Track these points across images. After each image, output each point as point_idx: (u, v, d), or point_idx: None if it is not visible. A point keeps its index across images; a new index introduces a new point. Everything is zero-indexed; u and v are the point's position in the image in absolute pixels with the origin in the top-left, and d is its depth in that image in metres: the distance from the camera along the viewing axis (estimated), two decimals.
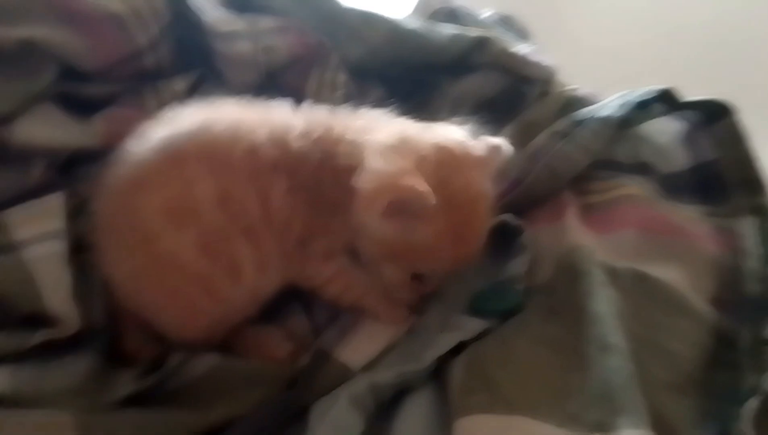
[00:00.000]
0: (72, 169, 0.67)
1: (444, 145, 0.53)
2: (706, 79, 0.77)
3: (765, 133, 0.72)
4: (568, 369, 0.48)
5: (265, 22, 0.76)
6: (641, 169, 0.72)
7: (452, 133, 0.55)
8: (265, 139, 0.53)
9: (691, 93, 0.73)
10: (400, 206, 0.49)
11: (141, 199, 0.51)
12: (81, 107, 0.68)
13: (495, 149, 0.56)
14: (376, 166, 0.51)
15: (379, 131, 0.54)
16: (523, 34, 0.92)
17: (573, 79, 0.85)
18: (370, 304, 0.58)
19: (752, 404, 0.46)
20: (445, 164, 0.52)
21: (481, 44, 0.75)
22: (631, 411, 0.44)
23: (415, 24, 0.77)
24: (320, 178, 0.53)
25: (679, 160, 0.73)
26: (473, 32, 0.76)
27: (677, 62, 1.13)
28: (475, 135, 0.56)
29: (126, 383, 0.51)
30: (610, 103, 0.71)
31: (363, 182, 0.51)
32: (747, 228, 0.61)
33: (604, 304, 0.51)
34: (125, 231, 0.52)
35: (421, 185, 0.49)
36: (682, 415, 0.46)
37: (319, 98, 0.78)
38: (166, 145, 0.52)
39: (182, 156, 0.51)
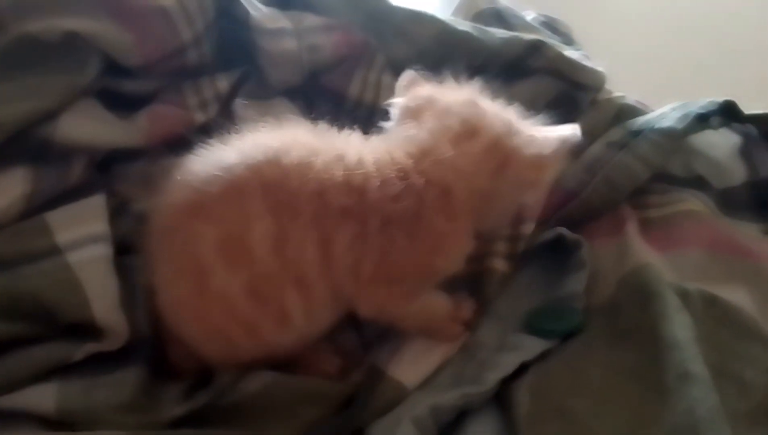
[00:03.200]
0: (109, 168, 0.65)
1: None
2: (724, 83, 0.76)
3: None
4: (645, 398, 0.46)
5: (310, 20, 0.73)
6: (696, 183, 0.70)
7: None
8: (336, 184, 0.48)
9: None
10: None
11: (198, 227, 0.48)
12: (119, 104, 0.66)
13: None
14: (532, 150, 0.51)
15: (460, 141, 0.51)
16: (568, 39, 0.89)
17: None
18: (431, 324, 0.56)
19: None
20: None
21: (536, 48, 0.72)
22: None
23: (465, 25, 0.74)
24: (421, 216, 0.49)
25: (735, 175, 0.70)
26: (527, 35, 0.74)
27: (702, 69, 1.12)
28: None
29: (175, 400, 0.49)
30: (669, 114, 0.68)
31: (534, 166, 0.52)
32: None
33: (681, 329, 0.48)
34: (177, 254, 0.49)
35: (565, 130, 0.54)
36: None
37: (361, 101, 0.75)
38: (230, 173, 0.48)
39: (245, 188, 0.48)
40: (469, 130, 0.51)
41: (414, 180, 0.49)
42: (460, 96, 0.54)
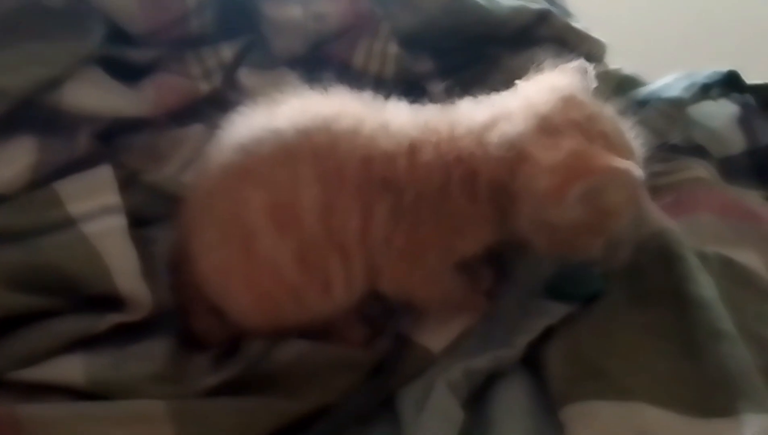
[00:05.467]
0: (111, 140, 0.63)
1: (570, 97, 0.48)
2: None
3: None
4: (678, 356, 0.47)
5: None
6: (697, 151, 0.71)
7: (557, 81, 0.50)
8: (381, 152, 0.47)
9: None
10: (600, 189, 0.45)
11: (247, 190, 0.47)
12: (121, 73, 0.64)
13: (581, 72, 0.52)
14: (545, 158, 0.44)
15: (493, 121, 0.48)
16: (564, 10, 0.89)
17: None
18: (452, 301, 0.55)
19: None
20: (586, 116, 0.47)
21: (544, 17, 0.73)
22: (752, 395, 0.43)
23: None
24: (447, 193, 0.48)
25: (735, 143, 0.72)
26: (534, 5, 0.74)
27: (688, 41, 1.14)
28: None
29: (206, 369, 0.48)
30: (674, 84, 0.70)
31: (540, 179, 0.45)
32: None
33: (707, 289, 0.49)
34: (224, 218, 0.49)
35: (616, 162, 0.44)
36: None
37: (366, 71, 0.74)
38: (279, 137, 0.47)
39: (295, 154, 0.47)
40: (555, 127, 0.46)
41: (444, 153, 0.47)
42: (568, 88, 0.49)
